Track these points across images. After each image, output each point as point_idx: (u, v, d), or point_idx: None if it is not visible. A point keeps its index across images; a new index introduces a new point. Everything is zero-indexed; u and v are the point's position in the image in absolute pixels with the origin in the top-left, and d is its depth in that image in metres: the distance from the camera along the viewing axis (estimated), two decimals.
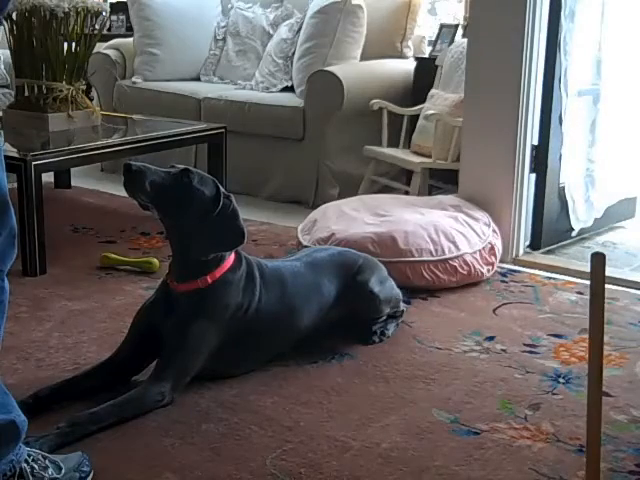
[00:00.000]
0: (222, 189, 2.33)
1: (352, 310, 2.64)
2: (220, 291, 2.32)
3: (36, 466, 1.78)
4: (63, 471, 1.83)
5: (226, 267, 2.34)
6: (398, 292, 2.78)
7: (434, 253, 3.15)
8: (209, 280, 2.31)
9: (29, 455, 1.79)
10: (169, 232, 2.37)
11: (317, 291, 2.56)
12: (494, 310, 3.00)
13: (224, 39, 5.18)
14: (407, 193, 4.10)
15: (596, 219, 3.85)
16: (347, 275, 2.64)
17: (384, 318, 2.73)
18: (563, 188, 3.69)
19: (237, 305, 2.35)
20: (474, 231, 3.31)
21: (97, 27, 3.83)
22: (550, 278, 3.36)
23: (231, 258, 2.36)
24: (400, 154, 4.24)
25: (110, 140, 3.75)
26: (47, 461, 1.83)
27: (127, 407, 2.16)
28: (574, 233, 3.76)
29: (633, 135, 3.91)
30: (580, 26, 3.51)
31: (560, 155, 3.59)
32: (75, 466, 1.87)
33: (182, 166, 2.32)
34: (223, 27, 5.20)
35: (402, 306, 2.81)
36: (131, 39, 5.25)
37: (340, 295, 2.60)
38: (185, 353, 2.27)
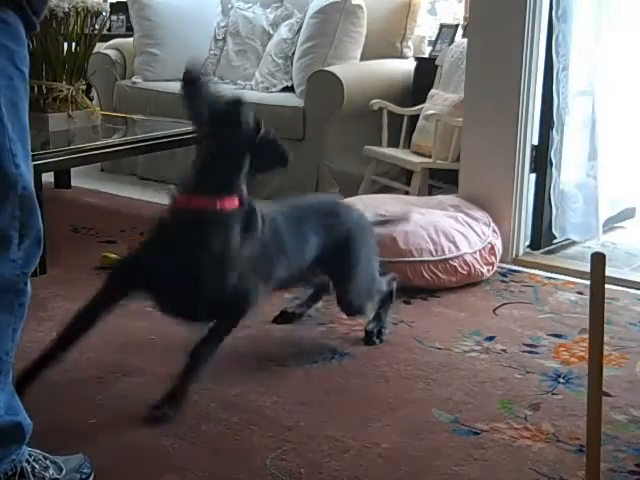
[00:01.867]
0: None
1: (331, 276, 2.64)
2: (232, 221, 2.26)
3: (37, 466, 1.79)
4: (64, 472, 1.83)
5: (238, 200, 2.27)
6: (379, 281, 2.73)
7: (434, 253, 3.15)
8: (226, 204, 2.24)
9: (30, 455, 1.79)
10: (209, 152, 2.29)
11: (304, 238, 2.51)
12: (494, 310, 3.00)
13: (224, 39, 5.18)
14: (407, 193, 4.10)
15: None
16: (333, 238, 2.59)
17: (377, 309, 2.73)
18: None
19: (243, 241, 2.29)
20: (474, 231, 3.31)
21: (97, 27, 3.83)
22: (550, 278, 3.36)
23: (239, 195, 2.30)
24: (400, 154, 4.24)
25: (110, 140, 3.75)
26: (48, 461, 1.83)
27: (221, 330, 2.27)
28: (556, 240, 3.73)
29: (631, 143, 3.88)
30: (576, 27, 3.50)
31: (551, 160, 3.59)
32: (76, 467, 1.87)
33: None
34: (223, 27, 5.20)
35: (387, 285, 2.76)
36: (131, 39, 5.25)
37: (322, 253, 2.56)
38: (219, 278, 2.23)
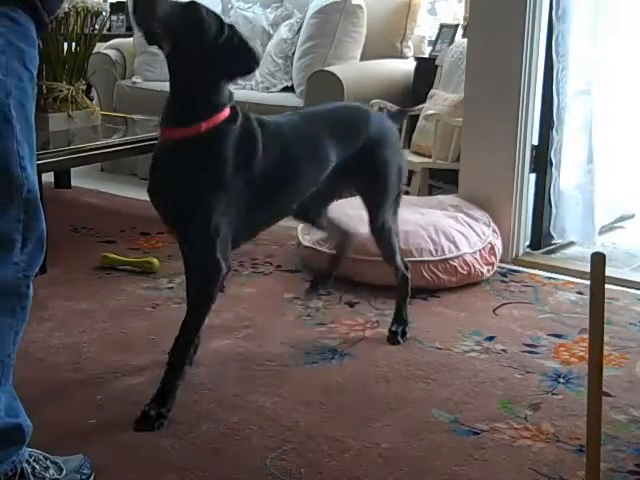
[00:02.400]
0: (226, 21, 2.21)
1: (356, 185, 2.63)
2: (216, 141, 2.18)
3: (37, 466, 1.79)
4: (64, 472, 1.83)
5: (221, 118, 2.18)
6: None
7: (434, 253, 3.15)
8: (202, 127, 2.15)
9: (30, 455, 1.79)
10: (173, 69, 2.18)
11: (318, 148, 2.43)
12: (494, 310, 3.00)
13: None
14: (407, 193, 4.09)
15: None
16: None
17: (403, 306, 2.75)
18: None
19: (237, 159, 2.21)
20: (474, 231, 3.31)
21: (97, 27, 3.83)
22: (550, 278, 3.36)
23: (226, 111, 2.21)
24: None
25: (110, 140, 3.75)
26: (48, 462, 1.83)
27: (197, 311, 2.23)
28: (553, 240, 3.72)
29: (628, 147, 3.83)
30: (574, 28, 3.49)
31: (551, 160, 3.58)
32: (76, 467, 1.87)
33: None
34: None
35: (405, 268, 2.77)
36: (131, 39, 5.25)
37: (344, 159, 2.50)
38: (203, 215, 2.17)
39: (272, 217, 2.45)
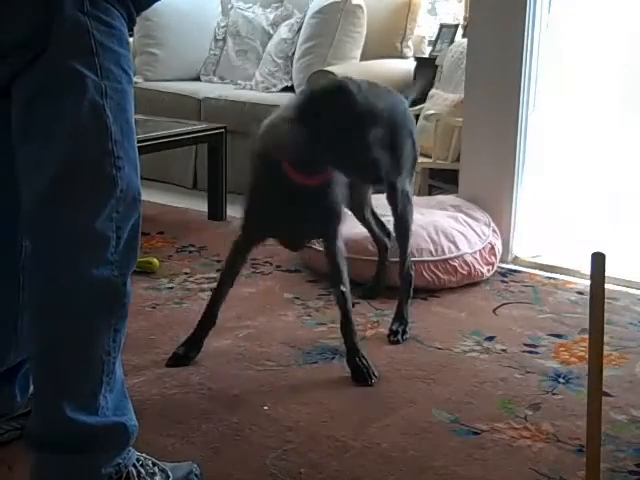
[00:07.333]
0: None
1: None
2: (332, 186, 2.45)
3: (143, 471, 1.75)
4: (171, 479, 1.80)
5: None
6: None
7: (434, 253, 3.15)
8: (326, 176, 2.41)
9: (138, 460, 1.75)
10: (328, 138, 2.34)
11: None
12: (494, 310, 3.00)
13: (224, 39, 5.18)
14: None
15: None
16: None
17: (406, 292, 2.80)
18: None
19: None
20: (474, 231, 3.31)
21: None
22: (550, 278, 3.36)
23: None
24: None
25: None
26: (156, 468, 1.79)
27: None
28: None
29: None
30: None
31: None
32: (184, 475, 1.84)
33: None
34: (223, 27, 5.20)
35: (411, 267, 2.84)
36: (131, 39, 5.24)
37: None
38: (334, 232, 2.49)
39: None
